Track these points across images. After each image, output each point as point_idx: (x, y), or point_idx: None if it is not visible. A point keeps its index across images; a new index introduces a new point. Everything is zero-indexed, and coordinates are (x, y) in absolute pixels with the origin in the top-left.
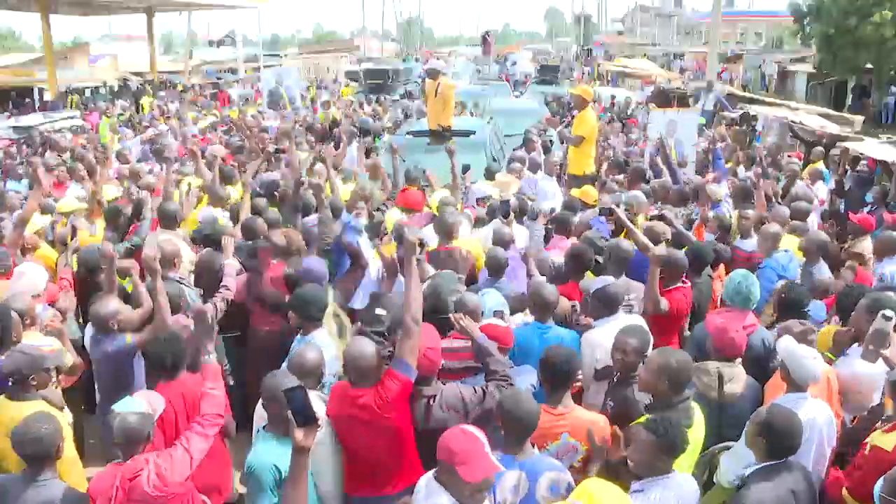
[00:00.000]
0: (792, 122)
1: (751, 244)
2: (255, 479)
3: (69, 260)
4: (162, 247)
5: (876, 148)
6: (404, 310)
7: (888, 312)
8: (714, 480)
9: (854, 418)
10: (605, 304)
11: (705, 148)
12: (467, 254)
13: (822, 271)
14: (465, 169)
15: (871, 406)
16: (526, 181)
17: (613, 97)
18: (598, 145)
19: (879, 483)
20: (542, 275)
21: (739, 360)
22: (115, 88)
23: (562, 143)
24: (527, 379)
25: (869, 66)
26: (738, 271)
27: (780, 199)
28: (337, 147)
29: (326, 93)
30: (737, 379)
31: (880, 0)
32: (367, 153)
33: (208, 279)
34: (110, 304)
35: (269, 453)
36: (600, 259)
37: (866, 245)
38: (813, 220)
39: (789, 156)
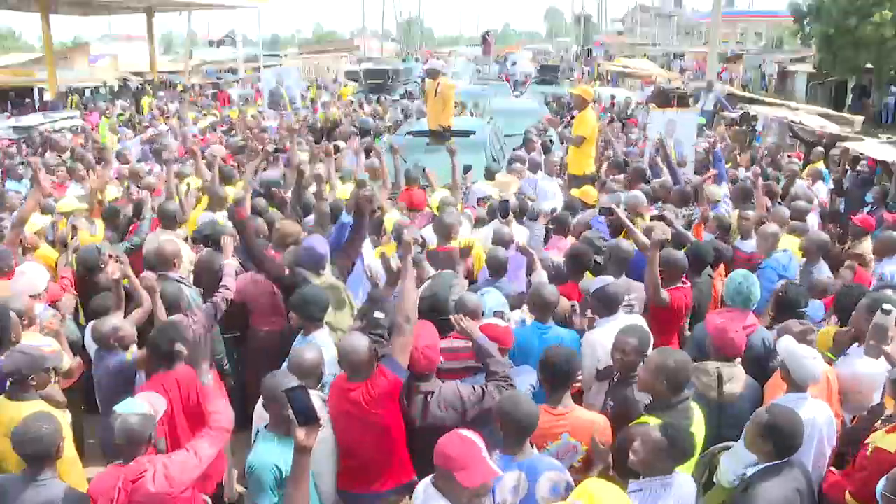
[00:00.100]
0: (792, 122)
1: (751, 245)
2: (256, 479)
3: (70, 259)
4: (162, 247)
5: (876, 148)
6: (398, 309)
7: (887, 306)
8: (714, 480)
9: (854, 418)
10: (606, 304)
11: (706, 148)
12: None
13: (823, 271)
14: (467, 169)
15: (871, 406)
16: (526, 181)
17: (613, 97)
18: (598, 145)
19: (882, 482)
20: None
21: (739, 360)
22: (115, 88)
23: (562, 143)
24: (526, 379)
25: (869, 66)
26: (739, 271)
27: (780, 200)
28: (337, 151)
29: (326, 93)
30: (736, 379)
31: (880, 0)
32: (367, 153)
33: (208, 279)
34: (109, 321)
35: (270, 453)
36: (599, 259)
37: (866, 246)
38: (813, 221)
39: (789, 156)
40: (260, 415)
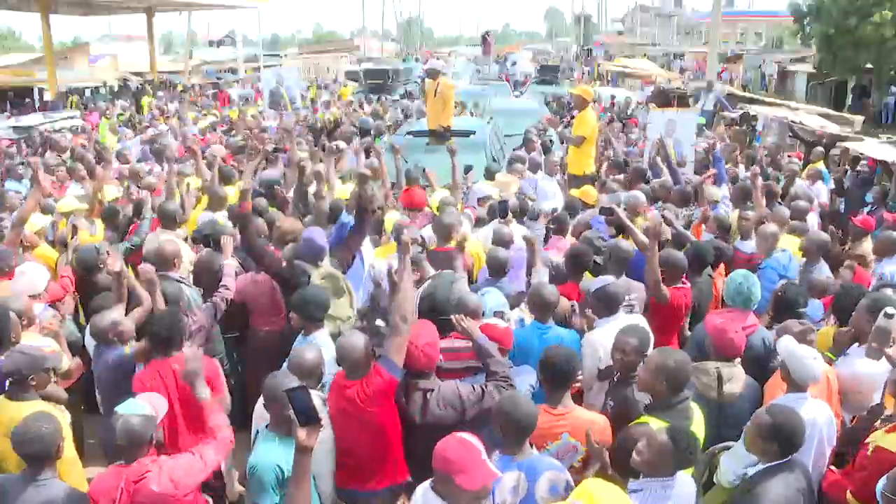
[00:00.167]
0: (792, 122)
1: (750, 246)
2: (257, 479)
3: (70, 259)
4: (162, 247)
5: (876, 148)
6: (395, 308)
7: (890, 310)
8: (714, 480)
9: (853, 418)
10: (606, 304)
11: (706, 148)
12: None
13: (823, 271)
14: (468, 169)
15: (871, 406)
16: (526, 181)
17: (613, 97)
18: (599, 145)
19: (882, 482)
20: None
21: (738, 360)
22: (115, 88)
23: (562, 143)
24: (526, 379)
25: (869, 66)
26: (739, 272)
27: (779, 200)
28: (338, 151)
29: (326, 93)
30: (736, 379)
31: (880, 0)
32: (367, 153)
33: (208, 279)
34: (108, 316)
35: (271, 453)
36: (599, 260)
37: (867, 247)
38: (813, 221)
39: (789, 156)
40: (260, 414)
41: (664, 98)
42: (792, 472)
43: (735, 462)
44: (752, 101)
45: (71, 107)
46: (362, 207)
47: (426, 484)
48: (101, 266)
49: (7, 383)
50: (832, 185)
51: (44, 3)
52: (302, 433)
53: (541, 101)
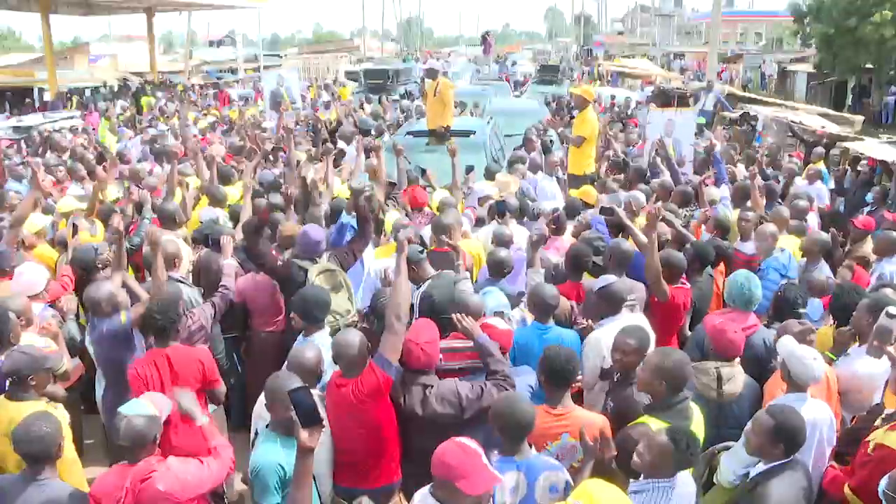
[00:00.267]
0: (792, 122)
1: (750, 247)
2: (260, 480)
3: (70, 259)
4: (163, 247)
5: (876, 148)
6: (389, 308)
7: (892, 310)
8: (714, 481)
9: (853, 418)
10: (609, 303)
11: (706, 147)
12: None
13: (823, 271)
14: (469, 170)
15: (871, 406)
16: (526, 181)
17: (613, 97)
18: (599, 145)
19: (884, 481)
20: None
21: (738, 359)
22: (115, 88)
23: (562, 143)
24: (526, 379)
25: (869, 66)
26: (741, 272)
27: (779, 200)
28: (341, 155)
29: (326, 93)
30: (735, 379)
31: (880, 0)
32: (367, 153)
33: (207, 279)
34: (104, 287)
35: (273, 453)
36: (598, 260)
37: (868, 248)
38: (813, 221)
39: (790, 156)
40: (259, 414)
41: (664, 98)
42: (795, 471)
43: (735, 462)
44: (752, 101)
45: (71, 107)
46: (364, 217)
47: (425, 490)
48: (100, 266)
49: (7, 383)
50: (832, 185)
51: (44, 3)
52: (304, 434)
53: (541, 101)
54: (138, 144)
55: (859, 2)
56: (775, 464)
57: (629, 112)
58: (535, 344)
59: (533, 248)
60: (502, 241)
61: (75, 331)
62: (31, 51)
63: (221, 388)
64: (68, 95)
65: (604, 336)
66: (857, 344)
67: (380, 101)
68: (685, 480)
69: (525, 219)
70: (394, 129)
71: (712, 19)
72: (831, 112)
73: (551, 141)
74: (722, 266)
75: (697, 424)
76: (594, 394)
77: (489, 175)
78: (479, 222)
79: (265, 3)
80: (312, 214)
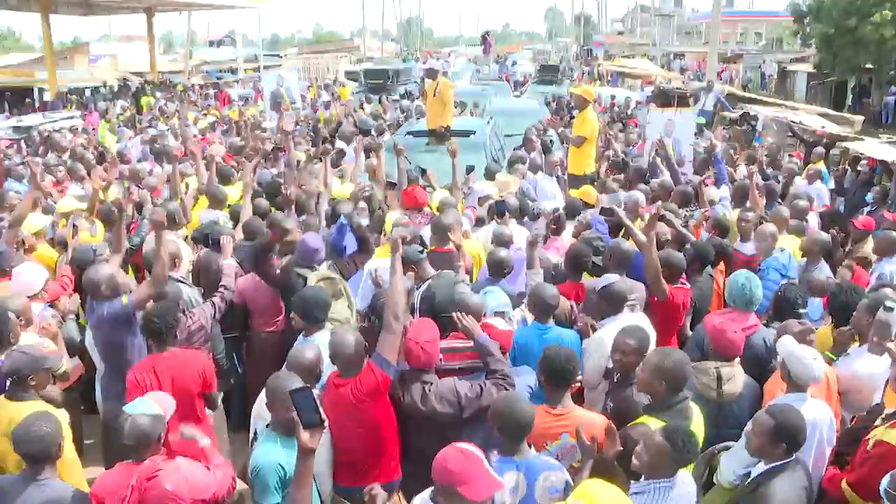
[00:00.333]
0: (792, 122)
1: (750, 248)
2: (260, 480)
3: (70, 260)
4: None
5: (876, 148)
6: (386, 307)
7: (890, 303)
8: (714, 481)
9: (853, 418)
10: (611, 303)
11: (706, 147)
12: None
13: (824, 271)
14: (469, 170)
15: (871, 406)
16: (526, 181)
17: (613, 97)
18: (599, 145)
19: (886, 479)
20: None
21: (738, 359)
22: (115, 88)
23: (562, 143)
24: (525, 380)
25: (869, 66)
26: (742, 272)
27: (779, 200)
28: (341, 155)
29: (326, 93)
30: (735, 379)
31: (880, 0)
32: (367, 152)
33: (207, 279)
34: (102, 269)
35: (274, 453)
36: (598, 261)
37: (869, 248)
38: (813, 221)
39: (790, 156)
40: (258, 414)
41: (664, 98)
42: (796, 470)
43: (735, 462)
44: (752, 101)
45: (71, 107)
46: (363, 237)
47: (425, 495)
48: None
49: (7, 383)
50: (832, 185)
51: (44, 3)
52: (305, 435)
53: (541, 101)
54: (138, 144)
55: (859, 2)
56: (776, 464)
57: (629, 112)
58: (535, 344)
59: (530, 249)
60: (502, 241)
61: (75, 331)
62: (31, 51)
63: (217, 393)
64: (68, 95)
65: (607, 336)
66: (857, 344)
67: (380, 101)
68: (685, 480)
69: (525, 219)
70: (394, 129)
71: (712, 19)
72: (831, 112)
73: (551, 141)
74: (722, 266)
75: (697, 424)
76: (594, 394)
77: (489, 175)
78: (479, 222)
79: (265, 3)
80: (307, 223)
